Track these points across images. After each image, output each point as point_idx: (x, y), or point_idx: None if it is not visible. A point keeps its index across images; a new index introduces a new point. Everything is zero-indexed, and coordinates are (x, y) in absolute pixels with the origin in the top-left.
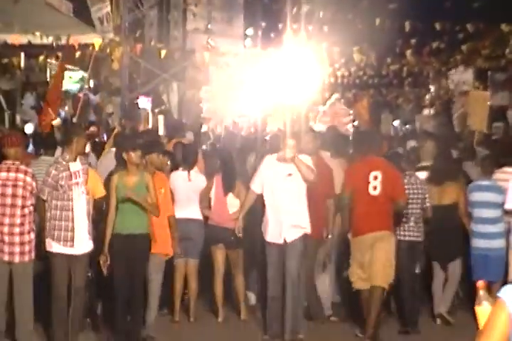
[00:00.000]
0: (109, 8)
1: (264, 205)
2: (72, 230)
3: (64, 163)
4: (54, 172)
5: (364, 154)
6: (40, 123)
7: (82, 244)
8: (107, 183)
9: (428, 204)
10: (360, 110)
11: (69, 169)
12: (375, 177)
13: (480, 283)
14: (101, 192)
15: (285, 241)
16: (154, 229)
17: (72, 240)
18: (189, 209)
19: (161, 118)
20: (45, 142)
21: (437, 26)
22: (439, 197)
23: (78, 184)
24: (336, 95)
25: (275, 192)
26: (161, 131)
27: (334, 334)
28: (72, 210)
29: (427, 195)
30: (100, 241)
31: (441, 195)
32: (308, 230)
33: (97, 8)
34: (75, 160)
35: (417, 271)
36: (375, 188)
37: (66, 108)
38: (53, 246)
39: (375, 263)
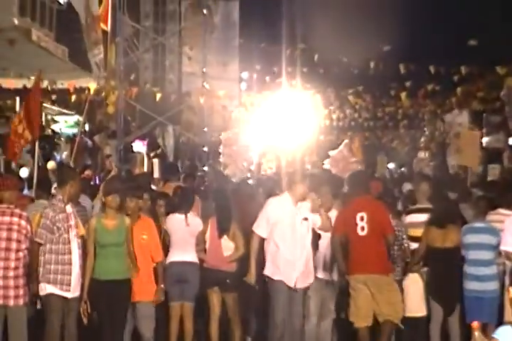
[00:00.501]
0: (102, 54)
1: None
2: (70, 274)
3: (59, 204)
4: (52, 214)
5: (353, 195)
6: (9, 149)
7: (77, 287)
8: None
9: (406, 245)
10: (353, 151)
11: (65, 211)
12: (362, 218)
13: (475, 324)
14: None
15: (295, 285)
16: (139, 276)
17: (69, 284)
18: (186, 253)
19: (156, 161)
20: (40, 185)
21: (431, 69)
22: (442, 239)
23: (71, 226)
24: (346, 141)
25: (290, 234)
26: (156, 175)
27: None
28: (70, 253)
29: (404, 236)
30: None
31: (444, 238)
32: (312, 279)
33: (93, 53)
34: (68, 203)
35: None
36: (362, 229)
37: (65, 152)
38: (48, 289)
39: (382, 302)
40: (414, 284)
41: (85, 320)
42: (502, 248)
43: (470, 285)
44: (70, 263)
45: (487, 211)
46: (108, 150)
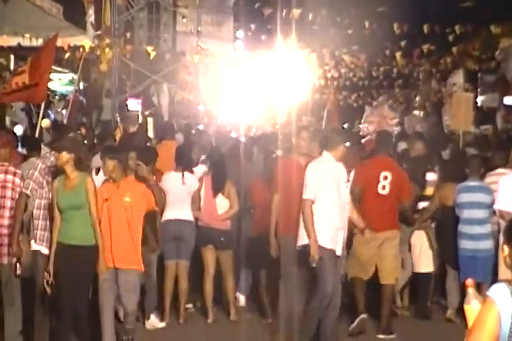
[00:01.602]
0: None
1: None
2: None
3: (52, 158)
4: (42, 166)
5: (378, 153)
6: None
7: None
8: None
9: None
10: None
11: (56, 166)
12: (385, 177)
13: (469, 282)
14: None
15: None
16: (121, 242)
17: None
18: (181, 211)
19: (150, 120)
20: (33, 143)
21: (425, 29)
22: (449, 197)
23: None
24: (382, 96)
25: (337, 199)
26: (151, 133)
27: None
28: (45, 209)
29: None
30: None
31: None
32: None
33: (89, 14)
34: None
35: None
36: (384, 188)
37: (59, 110)
38: (34, 246)
39: (383, 262)
40: (422, 241)
41: (48, 289)
42: (496, 207)
43: (464, 244)
44: (47, 219)
45: (480, 170)
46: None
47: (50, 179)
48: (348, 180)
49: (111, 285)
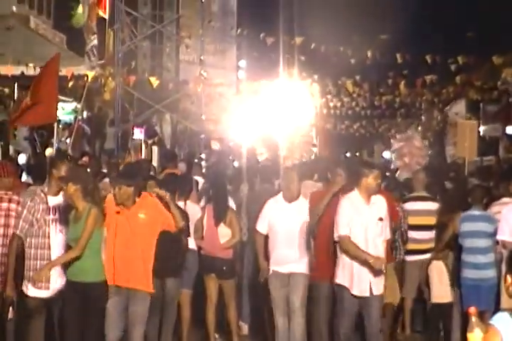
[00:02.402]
0: (95, 42)
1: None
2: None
3: (42, 195)
4: (30, 204)
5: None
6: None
7: (55, 286)
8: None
9: (403, 230)
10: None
11: (47, 202)
12: None
13: (472, 310)
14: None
15: (371, 293)
16: (133, 261)
17: (48, 281)
18: None
19: (155, 149)
20: (36, 172)
21: (428, 58)
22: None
23: (56, 221)
24: (414, 126)
25: (363, 237)
26: (155, 162)
27: None
28: (49, 248)
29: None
30: None
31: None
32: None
33: (89, 43)
34: (56, 194)
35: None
36: None
37: (62, 139)
38: (29, 289)
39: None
40: (439, 271)
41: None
42: (498, 237)
43: (467, 273)
44: (50, 259)
45: (483, 199)
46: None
47: (39, 217)
48: (381, 219)
49: (118, 312)
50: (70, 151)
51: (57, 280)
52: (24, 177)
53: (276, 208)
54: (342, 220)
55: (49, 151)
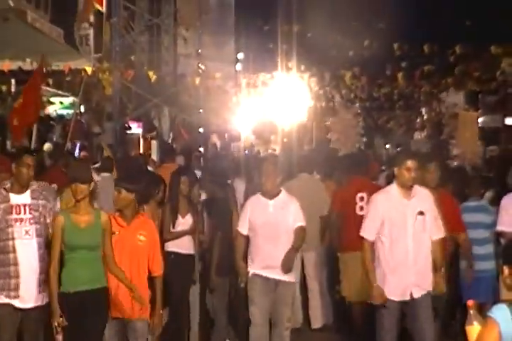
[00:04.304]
0: (89, 32)
1: None
2: (17, 276)
3: (4, 193)
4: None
5: (351, 175)
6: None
7: (32, 295)
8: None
9: None
10: None
11: (9, 201)
12: (362, 198)
13: (470, 303)
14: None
15: (412, 296)
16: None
17: (17, 289)
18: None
19: (154, 143)
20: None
21: (426, 49)
22: None
23: (23, 221)
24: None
25: (402, 234)
26: (154, 156)
27: None
28: (14, 252)
29: None
30: None
31: None
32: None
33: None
34: (20, 191)
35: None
36: (361, 209)
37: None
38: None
39: None
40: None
41: (60, 339)
42: (497, 228)
43: (465, 265)
44: (16, 264)
45: (480, 190)
46: (97, 128)
47: (0, 217)
48: (422, 213)
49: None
50: (67, 146)
51: (31, 291)
52: None
53: (256, 206)
54: (369, 222)
55: (47, 146)
